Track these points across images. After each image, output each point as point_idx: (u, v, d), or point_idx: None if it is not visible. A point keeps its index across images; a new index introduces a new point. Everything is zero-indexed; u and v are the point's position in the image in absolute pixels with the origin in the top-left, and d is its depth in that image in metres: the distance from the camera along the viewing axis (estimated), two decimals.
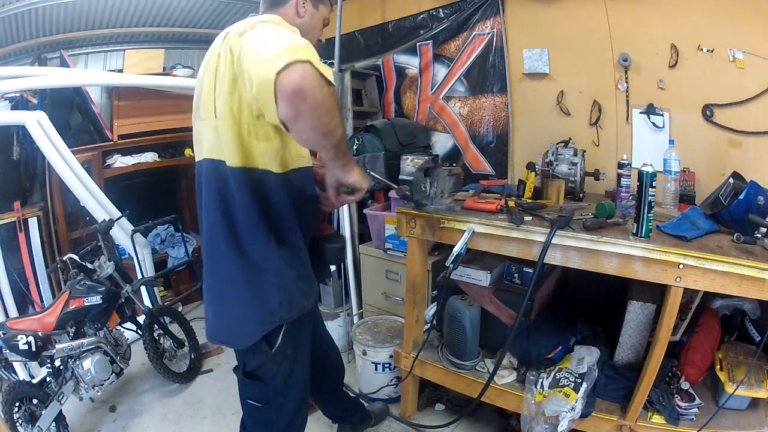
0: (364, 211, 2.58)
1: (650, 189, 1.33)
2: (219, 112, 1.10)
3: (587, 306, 1.89)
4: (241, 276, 1.18)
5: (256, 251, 1.17)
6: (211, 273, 1.25)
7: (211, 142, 1.14)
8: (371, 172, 1.37)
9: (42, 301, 2.81)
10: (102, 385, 2.09)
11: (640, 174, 1.35)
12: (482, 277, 1.84)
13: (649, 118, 2.08)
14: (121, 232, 2.86)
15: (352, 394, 2.07)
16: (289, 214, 1.20)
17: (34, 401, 1.92)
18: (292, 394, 1.32)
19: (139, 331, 2.45)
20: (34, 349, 1.92)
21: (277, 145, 1.15)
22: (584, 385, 1.52)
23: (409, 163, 1.62)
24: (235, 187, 1.13)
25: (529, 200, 1.89)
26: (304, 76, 0.91)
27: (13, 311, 2.62)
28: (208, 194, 1.18)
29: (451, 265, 1.64)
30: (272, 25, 1.06)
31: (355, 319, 2.72)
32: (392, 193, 2.40)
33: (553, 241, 1.43)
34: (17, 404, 1.89)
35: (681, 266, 1.26)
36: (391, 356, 2.11)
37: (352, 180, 1.20)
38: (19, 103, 2.83)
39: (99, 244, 2.37)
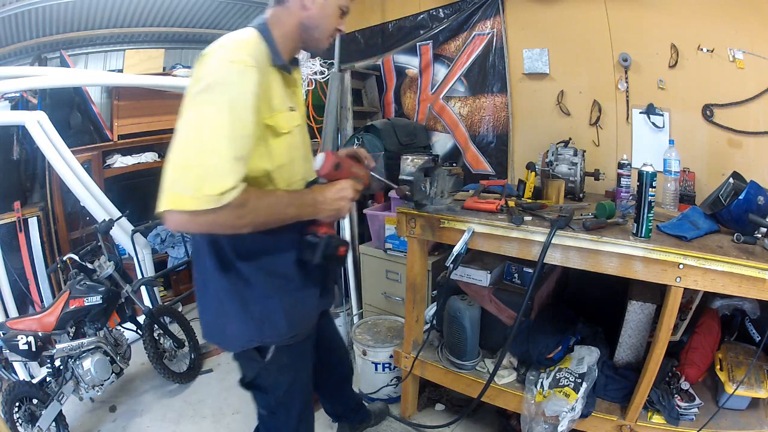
0: (364, 211, 2.58)
1: (650, 189, 1.33)
2: None
3: (587, 306, 1.88)
4: (227, 291, 1.13)
5: (242, 270, 1.12)
6: (199, 286, 1.21)
7: None
8: (372, 173, 1.36)
9: (42, 301, 2.82)
10: (102, 385, 2.09)
11: (640, 174, 1.35)
12: (482, 277, 1.84)
13: (649, 118, 2.08)
14: (121, 232, 2.86)
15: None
16: (282, 236, 1.12)
17: (34, 401, 1.93)
18: (297, 403, 1.31)
19: (139, 331, 2.45)
20: (34, 349, 1.92)
21: (264, 179, 1.10)
22: (584, 385, 1.52)
23: (409, 163, 1.61)
24: None
25: (529, 200, 1.89)
26: (177, 226, 0.98)
27: (13, 311, 2.62)
28: None
29: (451, 265, 1.64)
30: (210, 107, 0.98)
31: (355, 319, 2.72)
32: (392, 193, 2.40)
33: (553, 241, 1.43)
34: (17, 404, 1.89)
35: (681, 266, 1.26)
36: (391, 356, 2.11)
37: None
38: (19, 103, 2.83)
39: (99, 244, 2.37)
